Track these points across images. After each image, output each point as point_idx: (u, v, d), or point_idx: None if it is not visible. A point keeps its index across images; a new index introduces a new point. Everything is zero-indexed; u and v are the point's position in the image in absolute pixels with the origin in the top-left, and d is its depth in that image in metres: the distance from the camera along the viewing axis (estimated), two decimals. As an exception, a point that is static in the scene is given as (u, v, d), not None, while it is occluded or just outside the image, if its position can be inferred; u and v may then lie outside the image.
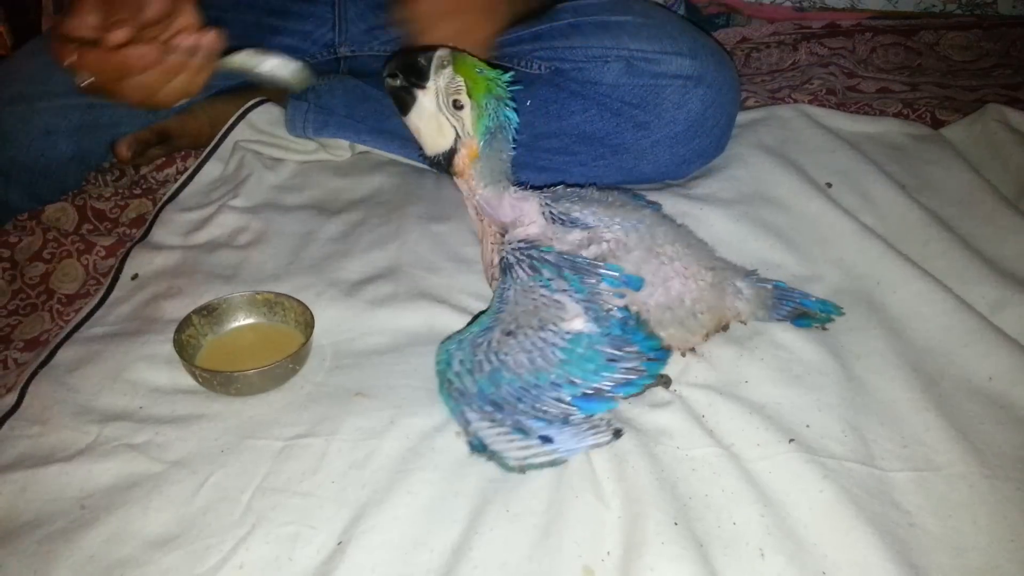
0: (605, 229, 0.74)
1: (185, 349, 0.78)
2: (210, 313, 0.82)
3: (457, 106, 0.70)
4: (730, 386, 0.75)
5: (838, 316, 0.83)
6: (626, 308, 0.71)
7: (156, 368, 0.79)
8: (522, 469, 0.68)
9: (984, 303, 0.84)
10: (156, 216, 1.00)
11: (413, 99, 0.71)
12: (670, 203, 0.95)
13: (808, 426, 0.72)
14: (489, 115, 0.70)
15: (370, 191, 1.07)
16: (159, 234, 0.97)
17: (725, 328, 0.81)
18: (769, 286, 0.81)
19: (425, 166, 0.74)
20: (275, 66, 0.75)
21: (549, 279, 0.70)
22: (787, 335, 0.81)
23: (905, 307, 0.85)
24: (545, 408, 0.68)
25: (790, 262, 0.90)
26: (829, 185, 1.03)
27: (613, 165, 1.05)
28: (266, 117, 1.13)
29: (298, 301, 0.82)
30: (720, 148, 1.08)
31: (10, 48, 1.62)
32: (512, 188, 0.75)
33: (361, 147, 1.12)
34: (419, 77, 0.70)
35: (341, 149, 1.13)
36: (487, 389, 0.68)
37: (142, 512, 0.65)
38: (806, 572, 0.61)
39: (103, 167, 1.09)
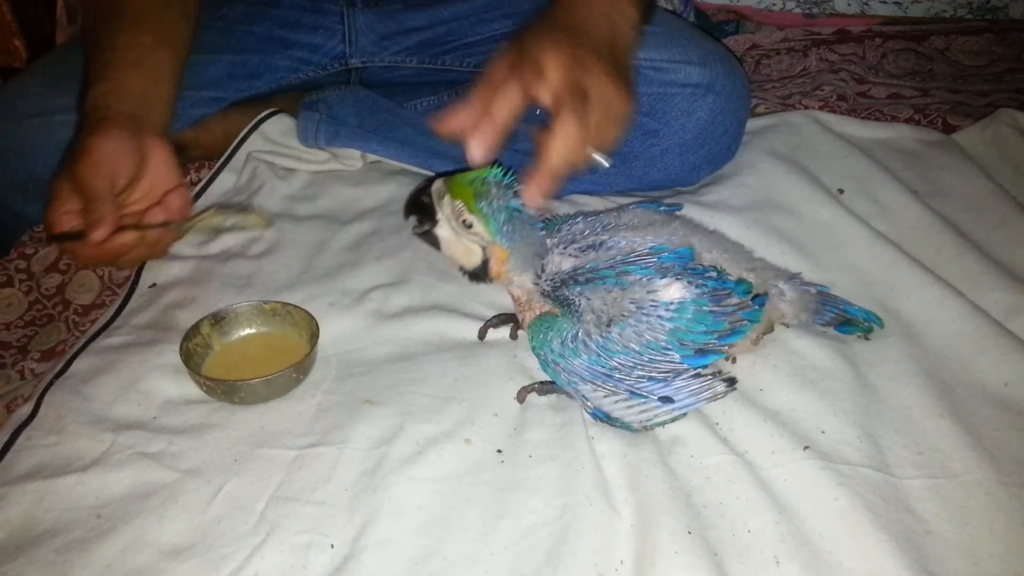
0: (639, 247, 0.74)
1: (192, 357, 0.79)
2: (218, 322, 0.83)
3: (467, 225, 0.73)
4: (744, 393, 0.75)
5: (879, 328, 0.82)
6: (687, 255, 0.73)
7: (170, 378, 0.79)
8: (646, 428, 0.72)
9: (998, 309, 0.84)
10: (170, 227, 1.00)
11: (436, 237, 0.75)
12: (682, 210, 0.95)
13: (823, 432, 0.72)
14: (494, 216, 0.72)
15: (382, 200, 1.08)
16: (174, 244, 0.98)
17: (770, 330, 0.81)
18: (813, 290, 0.81)
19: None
20: (238, 220, 0.82)
21: (614, 280, 0.71)
22: (801, 341, 0.81)
23: (919, 313, 0.85)
24: (657, 370, 0.70)
25: (802, 269, 0.89)
26: (841, 191, 1.03)
27: (623, 172, 1.06)
28: (279, 128, 1.14)
29: (305, 311, 0.83)
30: (730, 155, 1.08)
31: (25, 61, 1.63)
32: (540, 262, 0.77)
33: (372, 157, 1.13)
34: (429, 215, 0.74)
35: (353, 159, 1.13)
36: (597, 364, 0.70)
37: (157, 521, 0.66)
38: (821, 580, 0.61)
39: (117, 179, 1.10)
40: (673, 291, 0.70)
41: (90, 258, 0.82)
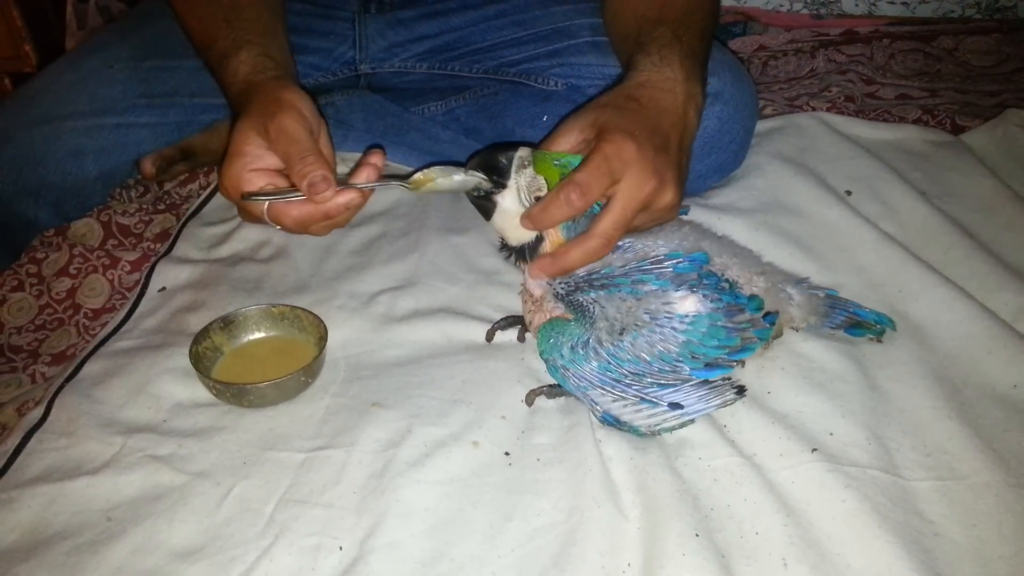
0: (652, 251, 0.74)
1: (201, 361, 0.80)
2: (227, 325, 0.83)
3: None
4: (752, 396, 0.75)
5: (891, 330, 0.82)
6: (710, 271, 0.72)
7: (179, 381, 0.79)
8: (653, 433, 0.72)
9: (1007, 310, 0.83)
10: (180, 231, 1.01)
11: (494, 205, 0.73)
12: (688, 214, 0.95)
13: (831, 434, 0.72)
14: None
15: (389, 204, 1.08)
16: (183, 248, 0.99)
17: (779, 335, 0.81)
18: (821, 294, 0.81)
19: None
20: (463, 178, 0.73)
21: (629, 288, 0.71)
22: (809, 344, 0.81)
23: (927, 315, 0.84)
24: (665, 379, 0.70)
25: (810, 271, 0.90)
26: (849, 193, 1.03)
27: None
28: (286, 132, 1.14)
29: (313, 314, 0.83)
30: (737, 163, 1.07)
31: (35, 67, 1.65)
32: None
33: (380, 160, 1.13)
34: (500, 175, 0.72)
35: (360, 163, 1.13)
36: (606, 371, 0.70)
37: (167, 524, 0.66)
38: (829, 582, 0.61)
39: (128, 183, 1.11)
40: (689, 304, 0.70)
41: (303, 219, 0.74)
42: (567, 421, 0.74)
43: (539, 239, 0.74)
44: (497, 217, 0.74)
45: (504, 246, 0.78)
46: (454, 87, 1.15)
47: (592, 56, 1.04)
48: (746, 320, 0.72)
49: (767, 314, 0.74)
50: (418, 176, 0.72)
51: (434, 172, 0.72)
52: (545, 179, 0.71)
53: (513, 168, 0.72)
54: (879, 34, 1.48)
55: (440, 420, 0.75)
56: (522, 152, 0.72)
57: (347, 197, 0.72)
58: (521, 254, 0.76)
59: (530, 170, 0.71)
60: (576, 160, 0.72)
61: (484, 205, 0.74)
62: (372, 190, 0.74)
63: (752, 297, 0.74)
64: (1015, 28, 1.48)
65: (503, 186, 0.72)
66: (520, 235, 0.74)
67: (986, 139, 1.14)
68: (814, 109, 1.21)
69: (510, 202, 0.73)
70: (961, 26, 1.51)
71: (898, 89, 1.31)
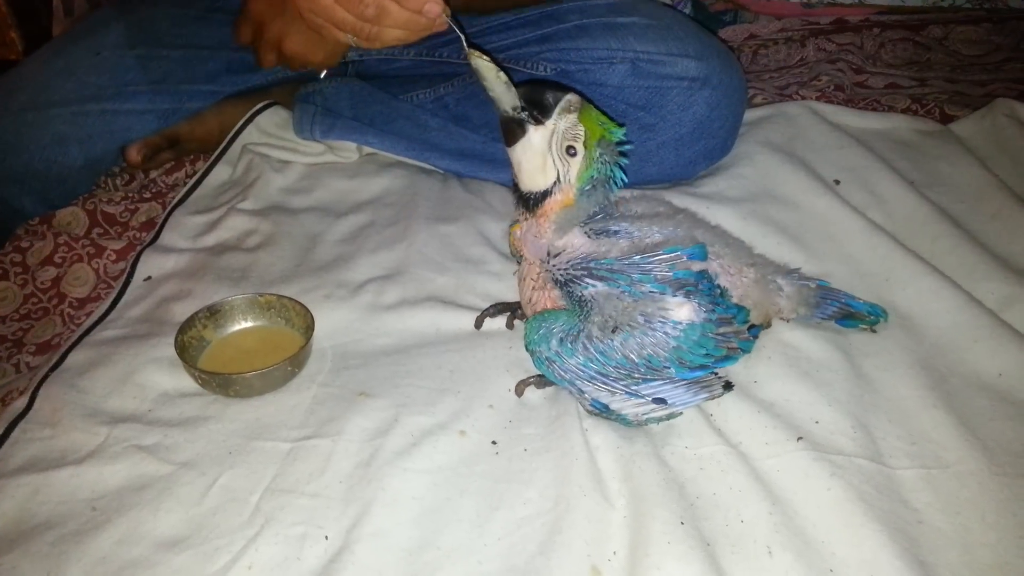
0: (647, 238, 0.74)
1: (187, 350, 0.79)
2: (213, 314, 0.83)
3: (570, 153, 0.70)
4: (739, 385, 0.75)
5: (884, 321, 0.82)
6: (703, 273, 0.72)
7: (165, 371, 0.79)
8: (641, 424, 0.72)
9: (993, 299, 0.84)
10: (166, 219, 1.00)
11: (523, 132, 0.70)
12: (677, 202, 0.94)
13: (817, 423, 0.72)
14: (598, 165, 0.71)
15: (377, 193, 1.07)
16: (169, 237, 0.98)
17: (768, 325, 0.81)
18: (812, 285, 0.81)
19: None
20: (503, 91, 0.69)
21: (628, 286, 0.70)
22: (794, 334, 0.81)
23: (914, 304, 0.85)
24: (652, 376, 0.70)
25: (798, 260, 0.90)
26: (837, 182, 1.03)
27: None
28: (274, 120, 1.13)
29: (300, 304, 0.83)
30: (726, 149, 1.07)
31: (21, 53, 1.63)
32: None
33: (368, 149, 1.13)
34: (541, 113, 0.69)
35: (348, 151, 1.13)
36: (593, 366, 0.69)
37: (152, 514, 0.66)
38: (814, 570, 0.61)
39: (113, 171, 1.10)
40: (684, 312, 0.69)
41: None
42: (554, 411, 0.75)
43: (549, 192, 0.71)
44: (519, 148, 0.70)
45: (516, 187, 0.74)
46: (442, 74, 1.15)
47: (581, 40, 1.03)
48: (732, 332, 0.72)
49: (752, 326, 0.75)
50: (477, 52, 0.69)
51: (490, 65, 0.69)
52: (586, 130, 0.69)
53: (557, 109, 0.69)
54: (869, 23, 1.48)
55: (428, 409, 0.75)
56: (572, 97, 0.69)
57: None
58: (526, 203, 0.73)
59: (574, 116, 0.69)
60: (619, 131, 0.71)
61: (513, 129, 0.70)
62: (445, 22, 0.78)
63: (740, 308, 0.74)
64: (1005, 18, 1.48)
65: (540, 123, 0.69)
66: (535, 179, 0.71)
67: (975, 128, 1.14)
68: (804, 98, 1.21)
69: (539, 140, 0.69)
70: (951, 15, 1.51)
71: (887, 78, 1.31)
